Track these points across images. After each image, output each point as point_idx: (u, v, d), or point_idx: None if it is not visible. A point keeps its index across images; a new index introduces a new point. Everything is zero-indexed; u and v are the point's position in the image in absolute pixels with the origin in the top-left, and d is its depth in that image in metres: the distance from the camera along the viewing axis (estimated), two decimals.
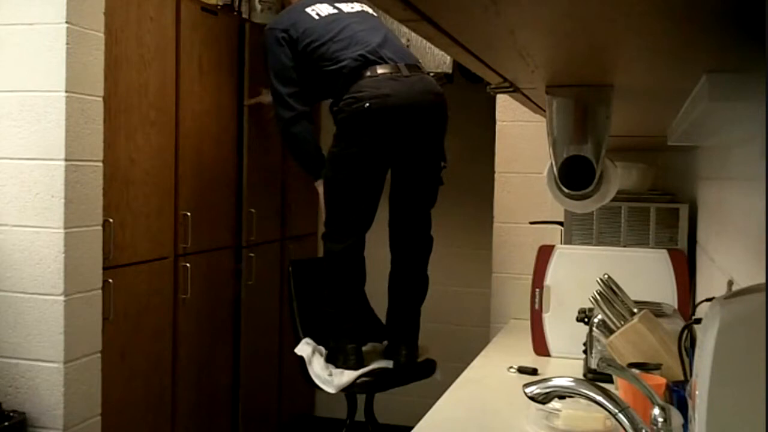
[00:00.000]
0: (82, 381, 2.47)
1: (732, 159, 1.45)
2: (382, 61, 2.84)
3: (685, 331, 1.47)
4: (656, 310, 1.87)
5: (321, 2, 3.02)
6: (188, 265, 3.12)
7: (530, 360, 2.16)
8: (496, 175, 2.89)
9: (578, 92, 1.07)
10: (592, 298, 1.85)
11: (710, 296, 1.57)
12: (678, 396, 1.30)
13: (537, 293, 2.25)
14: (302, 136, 3.04)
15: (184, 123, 3.09)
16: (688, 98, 0.94)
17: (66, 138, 2.38)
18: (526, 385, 1.12)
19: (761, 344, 0.58)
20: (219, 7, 3.36)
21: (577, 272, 2.20)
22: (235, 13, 3.54)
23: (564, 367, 2.07)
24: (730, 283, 1.39)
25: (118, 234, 2.69)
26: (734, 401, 0.61)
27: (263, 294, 3.77)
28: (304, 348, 2.90)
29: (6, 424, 2.31)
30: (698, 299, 1.98)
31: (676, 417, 1.09)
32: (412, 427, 1.57)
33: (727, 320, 0.62)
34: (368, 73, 2.82)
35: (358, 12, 3.02)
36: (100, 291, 2.56)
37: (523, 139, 2.82)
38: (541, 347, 2.23)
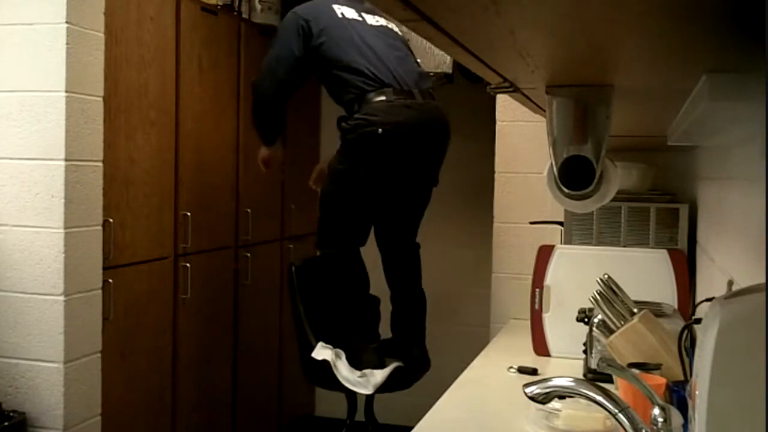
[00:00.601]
0: (82, 381, 2.47)
1: (732, 159, 1.45)
2: (398, 85, 2.83)
3: (685, 331, 1.47)
4: (656, 310, 1.87)
5: (348, 5, 2.97)
6: (188, 265, 3.12)
7: (530, 360, 2.16)
8: (496, 175, 2.89)
9: (578, 92, 1.07)
10: (592, 298, 1.85)
11: (710, 296, 1.57)
12: (678, 396, 1.30)
13: (537, 293, 2.25)
14: (272, 101, 3.01)
15: (184, 123, 3.09)
16: (688, 98, 0.94)
17: (66, 138, 2.38)
18: (526, 385, 1.12)
19: (761, 344, 0.58)
20: (219, 7, 3.36)
21: (577, 272, 2.20)
22: (235, 13, 3.54)
23: (564, 367, 2.07)
24: (730, 283, 1.39)
25: (118, 234, 2.69)
26: (734, 401, 0.61)
27: (263, 294, 3.77)
28: (324, 352, 2.83)
29: (6, 424, 2.31)
30: (698, 299, 1.98)
31: (676, 417, 1.09)
32: (412, 427, 1.57)
33: (727, 320, 0.62)
34: (383, 98, 2.80)
35: (381, 26, 3.00)
36: (100, 291, 2.56)
37: (523, 139, 2.82)
38: (541, 347, 2.23)
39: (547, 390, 1.10)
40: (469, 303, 4.11)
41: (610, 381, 1.67)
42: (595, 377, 1.81)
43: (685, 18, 0.60)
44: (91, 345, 2.52)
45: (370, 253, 3.11)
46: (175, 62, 3.04)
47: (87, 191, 2.48)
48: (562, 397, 1.31)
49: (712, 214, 1.88)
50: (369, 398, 3.23)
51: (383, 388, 2.85)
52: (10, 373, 2.42)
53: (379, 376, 2.79)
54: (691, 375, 1.30)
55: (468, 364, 2.14)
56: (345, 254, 2.94)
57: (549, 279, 2.25)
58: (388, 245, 3.06)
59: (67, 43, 2.37)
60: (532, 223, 2.74)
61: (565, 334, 2.17)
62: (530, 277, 2.28)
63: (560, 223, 2.51)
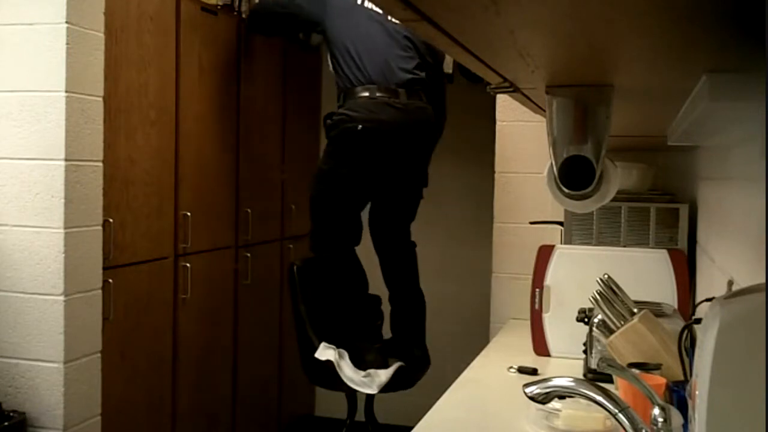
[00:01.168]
0: (82, 381, 2.47)
1: (732, 159, 1.45)
2: (385, 82, 2.83)
3: (685, 331, 1.47)
4: (656, 310, 1.87)
5: None
6: (188, 265, 3.12)
7: (530, 360, 2.16)
8: (496, 175, 2.90)
9: (578, 92, 1.07)
10: (592, 298, 1.85)
11: (710, 296, 1.57)
12: (678, 396, 1.30)
13: (537, 293, 2.25)
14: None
15: (184, 123, 3.09)
16: (688, 98, 0.94)
17: (66, 138, 2.38)
18: (526, 385, 1.12)
19: (761, 344, 0.58)
20: (219, 7, 3.36)
21: (577, 272, 2.20)
22: (235, 13, 3.54)
23: (564, 367, 2.07)
24: (730, 283, 1.39)
25: (118, 234, 2.69)
26: (734, 401, 0.61)
27: (263, 294, 3.77)
28: (327, 352, 2.84)
29: (6, 424, 2.31)
30: (698, 299, 1.98)
31: (676, 417, 1.09)
32: (412, 427, 1.57)
33: (727, 320, 0.62)
34: (367, 93, 2.81)
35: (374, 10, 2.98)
36: (100, 291, 2.56)
37: (523, 139, 2.82)
38: (541, 347, 2.23)
39: (547, 390, 1.10)
40: (469, 303, 4.10)
41: (610, 381, 1.67)
42: (595, 377, 1.81)
43: (685, 18, 0.60)
44: (91, 345, 2.52)
45: (370, 254, 3.12)
46: (175, 62, 3.04)
47: (87, 191, 2.48)
48: (562, 397, 1.31)
49: (712, 214, 1.88)
50: (369, 398, 3.23)
51: (387, 387, 2.86)
52: (10, 373, 2.42)
53: (383, 375, 2.80)
54: (691, 375, 1.30)
55: (468, 364, 2.14)
56: (339, 256, 2.96)
57: (549, 279, 2.25)
58: (383, 245, 3.07)
59: (67, 43, 2.37)
60: (532, 223, 2.74)
61: (565, 334, 2.17)
62: (530, 277, 2.28)
63: (560, 223, 2.51)
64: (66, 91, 2.37)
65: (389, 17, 2.95)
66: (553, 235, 2.60)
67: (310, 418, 4.39)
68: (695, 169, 2.37)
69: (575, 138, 1.10)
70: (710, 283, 1.79)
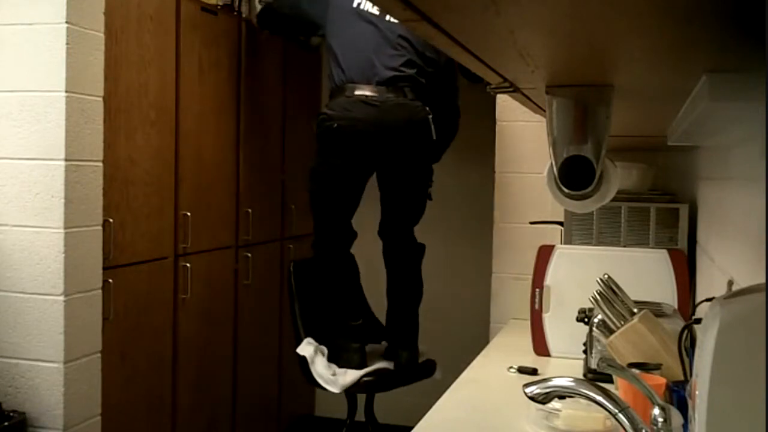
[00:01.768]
0: (82, 381, 2.47)
1: (732, 159, 1.45)
2: (365, 80, 2.85)
3: (685, 331, 1.47)
4: (656, 310, 1.87)
5: None
6: (188, 265, 3.12)
7: (530, 360, 2.16)
8: (496, 175, 2.90)
9: (578, 92, 1.07)
10: (592, 298, 1.85)
11: (710, 296, 1.57)
12: (678, 396, 1.30)
13: (537, 293, 2.25)
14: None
15: (184, 123, 3.09)
16: (688, 98, 0.94)
17: (66, 138, 2.38)
18: (526, 385, 1.12)
19: (761, 344, 0.58)
20: (219, 7, 3.36)
21: (577, 272, 2.20)
22: (235, 13, 3.54)
23: (564, 367, 2.07)
24: (730, 283, 1.39)
25: (118, 234, 2.69)
26: (734, 401, 0.61)
27: (263, 294, 3.77)
28: (306, 348, 2.91)
29: (6, 424, 2.31)
30: (698, 299, 1.98)
31: (676, 417, 1.09)
32: (412, 427, 1.57)
33: (727, 320, 0.62)
34: (345, 92, 2.85)
35: (371, 12, 2.99)
36: (100, 291, 2.56)
37: (523, 139, 2.82)
38: (541, 347, 2.23)
39: (547, 390, 1.10)
40: (469, 303, 4.10)
41: (610, 381, 1.67)
42: (595, 377, 1.81)
43: (685, 18, 0.60)
44: (91, 345, 2.52)
45: (372, 256, 3.12)
46: (175, 62, 3.04)
47: (87, 191, 2.48)
48: (562, 397, 1.31)
49: (712, 214, 1.88)
50: (369, 398, 3.24)
51: (358, 388, 2.88)
52: (10, 373, 2.42)
53: (349, 377, 2.82)
54: (691, 375, 1.30)
55: (468, 364, 2.14)
56: (329, 253, 2.99)
57: (549, 279, 2.25)
58: (385, 242, 3.08)
59: (67, 43, 2.37)
60: (532, 223, 2.74)
61: (565, 334, 2.17)
62: (530, 277, 2.28)
63: (560, 223, 2.51)
64: (66, 91, 2.37)
65: (386, 17, 2.95)
66: (553, 235, 2.60)
67: (310, 418, 4.39)
68: (695, 169, 2.37)
69: (575, 138, 1.10)
70: (710, 283, 1.79)
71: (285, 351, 3.91)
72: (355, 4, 2.97)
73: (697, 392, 0.65)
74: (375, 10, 2.95)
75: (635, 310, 1.80)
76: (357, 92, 2.83)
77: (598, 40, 0.72)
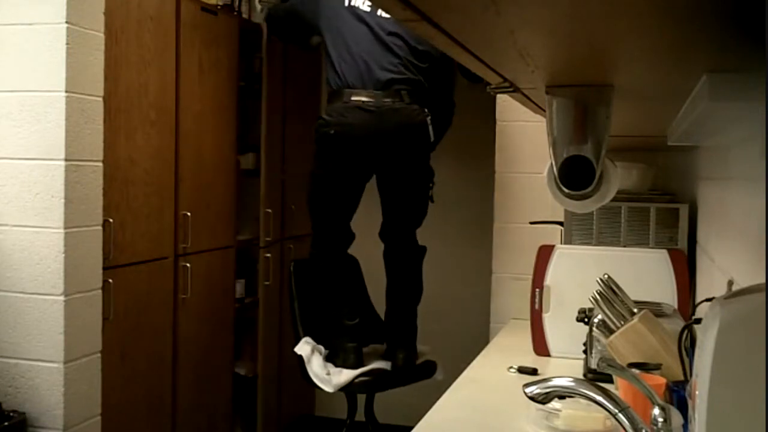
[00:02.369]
0: (82, 381, 2.47)
1: (732, 159, 1.45)
2: (361, 85, 2.84)
3: (685, 331, 1.47)
4: (656, 310, 1.87)
5: None
6: (188, 265, 3.12)
7: (530, 360, 2.16)
8: (496, 175, 2.90)
9: (578, 92, 1.07)
10: (592, 298, 1.85)
11: (710, 296, 1.57)
12: (678, 396, 1.30)
13: (537, 293, 2.25)
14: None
15: (184, 123, 3.09)
16: (688, 98, 0.94)
17: (66, 138, 2.38)
18: (526, 385, 1.12)
19: (761, 344, 0.58)
20: (219, 7, 3.36)
21: (577, 272, 2.20)
22: (235, 13, 3.54)
23: (564, 367, 2.07)
24: (730, 283, 1.39)
25: (118, 234, 2.69)
26: (734, 401, 0.61)
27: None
28: (304, 347, 2.92)
29: (6, 424, 2.31)
30: (698, 299, 1.98)
31: (676, 417, 1.09)
32: (412, 427, 1.57)
33: (727, 320, 0.62)
34: (343, 98, 2.86)
35: (360, 8, 2.98)
36: (100, 291, 2.56)
37: (523, 139, 2.82)
38: (541, 347, 2.23)
39: (547, 390, 1.10)
40: (469, 303, 4.10)
41: (610, 381, 1.67)
42: (595, 377, 1.81)
43: (685, 18, 0.60)
44: (91, 345, 2.52)
45: (374, 256, 3.12)
46: (175, 62, 3.04)
47: (87, 191, 2.48)
48: (562, 397, 1.31)
49: (712, 214, 1.88)
50: (369, 398, 3.24)
51: (353, 387, 2.88)
52: (10, 373, 2.42)
53: (343, 377, 2.83)
54: (691, 375, 1.30)
55: (468, 364, 2.14)
56: (327, 255, 3.00)
57: (549, 279, 2.25)
58: (386, 245, 3.08)
59: (67, 43, 2.37)
60: (532, 223, 2.74)
61: (565, 334, 2.17)
62: (530, 277, 2.28)
63: (560, 223, 2.51)
64: (66, 91, 2.37)
65: (377, 12, 2.94)
66: (553, 235, 2.60)
67: (310, 418, 4.39)
68: (695, 169, 2.37)
69: (575, 138, 1.10)
70: (710, 283, 1.79)
71: (285, 351, 3.91)
72: (346, 3, 2.96)
73: (697, 392, 0.65)
74: (366, 7, 2.94)
75: (635, 310, 1.80)
76: (354, 98, 2.84)
77: (598, 40, 0.72)
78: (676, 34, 0.67)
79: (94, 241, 2.53)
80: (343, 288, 3.03)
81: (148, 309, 2.89)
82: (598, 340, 1.91)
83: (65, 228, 2.39)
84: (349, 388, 2.89)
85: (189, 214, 3.12)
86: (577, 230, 2.44)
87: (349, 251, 3.12)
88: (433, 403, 1.75)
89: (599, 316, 1.89)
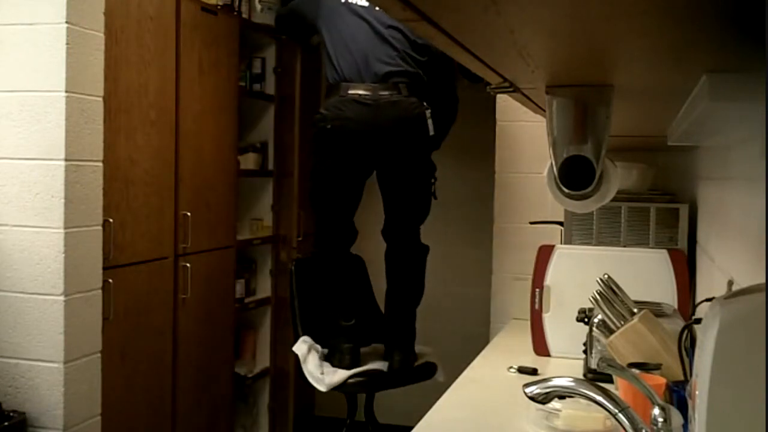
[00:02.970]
0: (82, 381, 2.47)
1: (732, 159, 1.45)
2: (358, 78, 2.83)
3: (685, 331, 1.47)
4: (656, 310, 1.87)
5: None
6: (188, 265, 3.12)
7: (530, 360, 2.16)
8: (496, 175, 2.90)
9: (578, 92, 1.07)
10: (592, 298, 1.85)
11: (710, 296, 1.57)
12: (678, 396, 1.30)
13: (537, 293, 2.25)
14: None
15: (184, 123, 3.09)
16: (688, 98, 0.94)
17: (66, 138, 2.38)
18: (526, 385, 1.12)
19: (761, 344, 0.58)
20: (219, 7, 3.36)
21: (577, 272, 2.20)
22: (235, 13, 3.54)
23: (564, 367, 2.07)
24: (730, 283, 1.39)
25: (118, 234, 2.69)
26: (734, 401, 0.61)
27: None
28: (301, 346, 2.93)
29: (6, 424, 2.31)
30: (698, 299, 1.98)
31: (676, 417, 1.09)
32: (412, 427, 1.57)
33: (727, 320, 0.62)
34: (339, 91, 2.85)
35: (359, 4, 2.97)
36: (100, 291, 2.56)
37: (523, 139, 2.82)
38: (541, 347, 2.23)
39: (547, 390, 1.10)
40: (469, 303, 4.11)
41: (610, 381, 1.67)
42: (595, 377, 1.81)
43: (685, 18, 0.60)
44: (91, 345, 2.52)
45: (377, 255, 3.12)
46: (175, 62, 3.04)
47: (87, 191, 2.48)
48: (562, 397, 1.31)
49: (712, 214, 1.88)
50: (369, 398, 3.24)
51: (347, 387, 2.89)
52: (10, 373, 2.42)
53: (336, 376, 2.83)
54: (691, 375, 1.30)
55: (468, 364, 2.14)
56: (329, 252, 2.99)
57: (549, 279, 2.25)
58: (389, 243, 3.07)
59: (67, 43, 2.37)
60: (532, 223, 2.74)
61: (565, 334, 2.17)
62: (530, 277, 2.28)
63: (560, 223, 2.51)
64: (66, 91, 2.37)
65: (375, 7, 2.93)
66: (553, 235, 2.60)
67: (310, 418, 4.39)
68: (695, 169, 2.37)
69: (575, 138, 1.10)
70: (710, 283, 1.79)
71: (285, 350, 3.91)
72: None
73: (697, 392, 0.65)
74: (363, 1, 2.94)
75: (635, 310, 1.80)
76: (351, 91, 2.82)
77: (598, 40, 0.72)
78: (676, 34, 0.67)
79: (94, 241, 2.53)
80: (341, 288, 3.02)
81: (148, 309, 2.89)
82: (598, 340, 1.91)
83: (65, 228, 2.39)
84: (343, 388, 2.89)
85: (189, 214, 3.12)
86: (577, 230, 2.44)
87: (355, 251, 3.12)
88: (433, 403, 1.75)
89: (599, 316, 1.89)
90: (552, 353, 2.22)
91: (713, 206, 1.87)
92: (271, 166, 3.87)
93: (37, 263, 2.40)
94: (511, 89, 1.10)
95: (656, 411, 1.09)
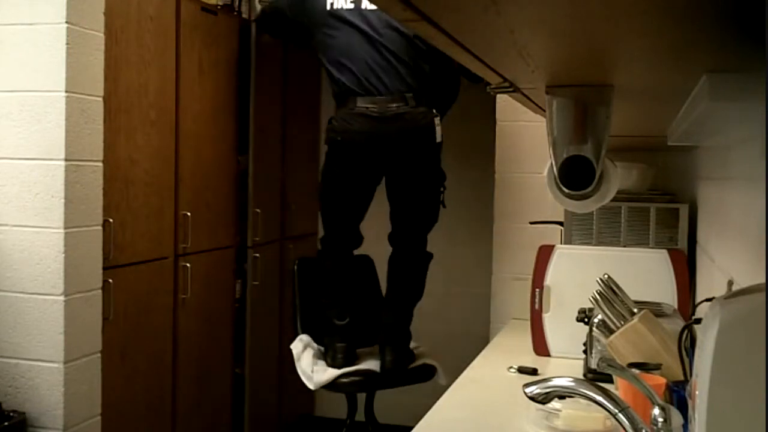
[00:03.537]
0: (82, 381, 2.47)
1: (732, 159, 1.45)
2: (365, 92, 2.84)
3: (685, 331, 1.47)
4: (656, 310, 1.87)
5: None
6: (188, 265, 3.12)
7: (530, 360, 2.16)
8: (496, 175, 2.90)
9: (578, 92, 1.07)
10: (592, 298, 1.85)
11: (710, 296, 1.57)
12: (678, 396, 1.30)
13: (537, 293, 2.25)
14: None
15: (184, 123, 3.09)
16: (688, 98, 0.94)
17: (66, 138, 2.38)
18: (526, 385, 1.12)
19: (761, 344, 0.58)
20: (219, 7, 3.36)
21: (577, 272, 2.20)
22: (235, 13, 3.54)
23: (564, 367, 2.07)
24: (730, 283, 1.39)
25: (118, 234, 2.69)
26: (734, 401, 0.61)
27: (263, 294, 3.77)
28: (297, 344, 2.97)
29: (6, 424, 2.31)
30: (698, 299, 1.98)
31: (676, 417, 1.09)
32: (412, 427, 1.57)
33: (727, 320, 0.62)
34: (349, 104, 2.85)
35: (376, 12, 2.92)
36: (100, 291, 2.56)
37: (523, 139, 2.82)
38: (541, 347, 2.23)
39: (547, 390, 1.10)
40: (470, 303, 4.11)
41: (610, 381, 1.67)
42: (595, 377, 1.81)
43: (685, 18, 0.60)
44: (91, 345, 2.52)
45: (379, 255, 3.13)
46: (175, 62, 3.04)
47: (87, 191, 2.48)
48: (562, 397, 1.31)
49: (712, 214, 1.88)
50: (369, 398, 3.24)
51: (337, 387, 2.90)
52: (10, 373, 2.42)
53: (325, 375, 2.86)
54: (691, 375, 1.30)
55: (468, 364, 2.14)
56: (332, 253, 3.01)
57: (549, 279, 2.25)
58: (394, 249, 3.07)
59: (67, 43, 2.37)
60: (532, 223, 2.74)
61: (565, 334, 2.17)
62: (530, 277, 2.28)
63: (560, 223, 2.51)
64: (66, 91, 2.37)
65: (362, 6, 2.91)
66: (553, 235, 2.60)
67: (310, 418, 4.39)
68: (695, 169, 2.37)
69: (575, 138, 1.10)
70: (710, 283, 1.79)
71: (285, 350, 3.91)
72: (328, 6, 2.94)
73: (697, 392, 0.65)
74: (348, 4, 2.92)
75: (635, 310, 1.80)
76: (359, 104, 2.84)
77: (598, 40, 0.72)
78: (676, 34, 0.67)
79: (94, 241, 2.53)
80: (337, 288, 3.03)
81: (148, 309, 2.89)
82: (598, 340, 1.91)
83: (65, 228, 2.39)
84: (335, 388, 2.91)
85: (189, 214, 3.12)
86: (577, 230, 2.44)
87: (365, 251, 3.14)
88: (433, 403, 1.75)
89: (599, 316, 1.89)
90: (552, 353, 2.22)
91: (713, 206, 1.87)
92: None
93: (37, 263, 2.40)
94: (511, 89, 1.10)
95: (656, 411, 1.09)
